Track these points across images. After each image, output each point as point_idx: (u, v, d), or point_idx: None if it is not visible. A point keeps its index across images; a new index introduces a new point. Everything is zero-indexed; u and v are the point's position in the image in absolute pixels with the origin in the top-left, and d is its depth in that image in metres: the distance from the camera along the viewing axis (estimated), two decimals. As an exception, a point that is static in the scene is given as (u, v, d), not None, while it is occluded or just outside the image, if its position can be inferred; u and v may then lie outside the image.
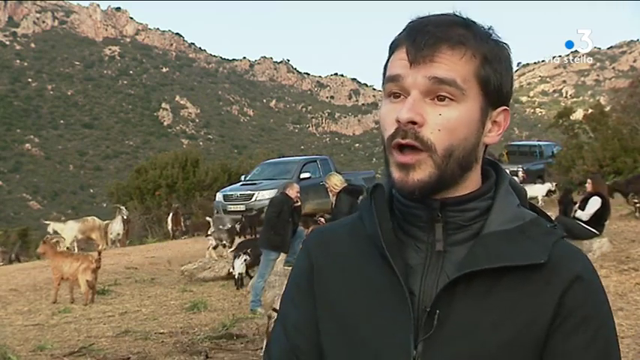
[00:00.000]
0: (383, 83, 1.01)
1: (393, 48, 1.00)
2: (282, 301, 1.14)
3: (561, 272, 0.96)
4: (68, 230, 15.67)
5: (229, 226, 13.58)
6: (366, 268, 1.03)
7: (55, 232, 15.44)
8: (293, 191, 8.69)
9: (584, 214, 9.03)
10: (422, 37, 0.95)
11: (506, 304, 0.95)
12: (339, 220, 1.18)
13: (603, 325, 0.96)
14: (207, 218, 15.02)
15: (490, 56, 0.98)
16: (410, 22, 0.99)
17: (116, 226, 17.05)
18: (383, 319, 0.99)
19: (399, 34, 1.00)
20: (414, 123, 0.95)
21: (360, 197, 8.69)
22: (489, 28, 1.00)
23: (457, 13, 0.99)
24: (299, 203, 9.20)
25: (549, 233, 0.99)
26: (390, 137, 0.97)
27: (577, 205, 9.28)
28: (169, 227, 18.46)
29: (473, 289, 0.96)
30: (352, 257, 1.05)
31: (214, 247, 12.26)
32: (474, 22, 0.99)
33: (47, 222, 16.74)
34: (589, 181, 9.76)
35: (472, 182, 1.01)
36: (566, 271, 0.96)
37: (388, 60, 1.01)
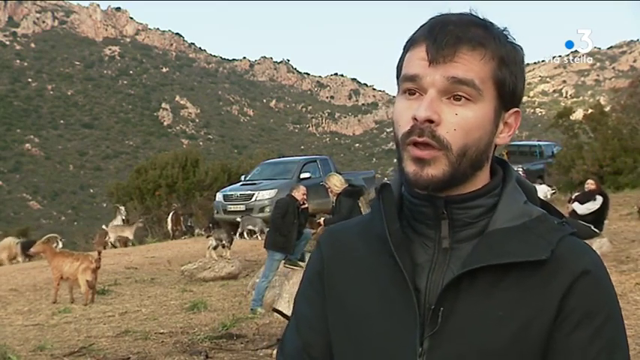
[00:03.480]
0: (398, 81, 1.01)
1: (410, 45, 1.00)
2: (296, 298, 1.16)
3: (566, 268, 0.95)
4: None
5: (259, 225, 13.82)
6: (375, 266, 1.04)
7: None
8: (299, 193, 8.72)
9: (583, 208, 9.03)
10: (442, 37, 0.95)
11: (511, 300, 0.95)
12: (353, 218, 1.20)
13: (608, 321, 0.95)
14: (238, 219, 15.16)
15: (507, 58, 0.98)
16: (430, 20, 0.99)
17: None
18: (390, 316, 1.00)
19: (418, 31, 1.00)
20: (430, 121, 0.95)
21: (361, 198, 8.72)
22: (504, 30, 1.00)
23: (475, 13, 0.99)
24: (306, 205, 9.24)
25: (556, 229, 0.99)
26: (406, 134, 0.97)
27: (573, 196, 9.29)
28: (169, 227, 18.46)
29: (477, 286, 0.96)
30: (362, 256, 1.07)
31: (214, 248, 12.26)
32: (492, 23, 1.00)
33: None
34: (590, 180, 9.73)
35: (480, 180, 1.01)
36: (572, 266, 0.95)
37: (404, 56, 1.01)
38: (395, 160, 1.06)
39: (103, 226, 17.33)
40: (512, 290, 0.95)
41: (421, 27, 1.00)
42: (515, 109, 1.02)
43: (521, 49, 1.02)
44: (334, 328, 1.06)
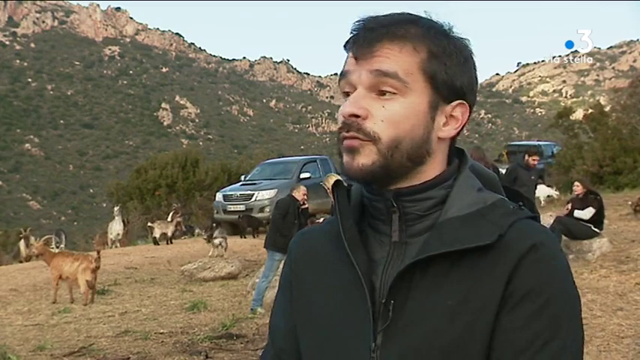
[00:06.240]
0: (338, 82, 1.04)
1: (347, 47, 1.02)
2: (272, 307, 1.17)
3: (514, 248, 0.93)
4: None
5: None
6: (336, 264, 1.04)
7: None
8: (299, 193, 8.74)
9: (585, 213, 9.01)
10: (364, 34, 0.98)
11: (461, 289, 0.93)
12: (327, 219, 1.21)
13: (552, 303, 0.91)
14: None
15: (436, 50, 0.97)
16: (355, 21, 1.01)
17: (116, 226, 17.04)
18: (347, 313, 1.00)
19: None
20: (357, 116, 0.97)
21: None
22: (445, 25, 1.00)
23: (409, 12, 1.00)
24: (306, 205, 9.25)
25: (510, 214, 0.97)
26: (338, 130, 1.01)
27: (569, 206, 9.25)
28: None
29: (429, 277, 0.95)
30: (325, 255, 1.07)
31: (217, 246, 12.28)
32: (426, 19, 1.00)
33: None
34: (577, 183, 9.72)
35: (430, 173, 1.01)
36: (519, 245, 0.93)
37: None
38: None
39: (149, 223, 17.30)
40: (463, 280, 0.94)
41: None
42: (460, 101, 1.00)
43: (466, 42, 1.01)
44: (301, 330, 1.07)
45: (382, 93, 0.97)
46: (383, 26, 0.97)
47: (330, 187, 8.14)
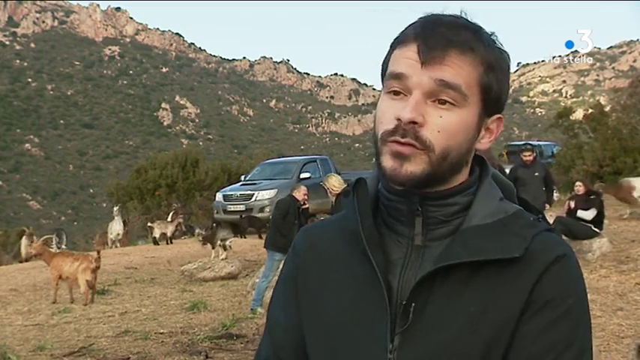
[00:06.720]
0: (383, 78, 1.00)
1: (398, 43, 0.99)
2: (270, 302, 1.15)
3: (536, 263, 0.95)
4: None
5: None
6: (349, 262, 1.03)
7: None
8: (300, 193, 8.74)
9: (589, 214, 9.01)
10: (434, 38, 0.95)
11: (483, 297, 0.94)
12: (329, 217, 1.20)
13: (569, 315, 0.94)
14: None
15: (495, 64, 0.98)
16: (421, 19, 0.98)
17: (116, 226, 17.04)
18: (362, 313, 1.00)
19: (407, 29, 0.99)
20: (414, 123, 0.94)
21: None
22: (493, 34, 1.00)
23: (465, 16, 0.99)
24: (306, 205, 9.26)
25: (531, 226, 0.98)
26: (389, 132, 0.96)
27: (572, 203, 9.23)
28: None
29: (450, 283, 0.96)
30: (336, 252, 1.06)
31: (228, 249, 12.30)
32: (481, 28, 0.99)
33: None
34: (579, 183, 9.72)
35: (457, 181, 1.01)
36: (541, 261, 0.95)
37: (390, 54, 1.00)
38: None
39: (149, 224, 17.30)
40: (485, 288, 0.95)
41: (411, 26, 0.99)
42: (498, 115, 1.02)
43: (508, 55, 1.01)
44: (309, 330, 1.06)
45: (441, 102, 0.95)
46: (452, 33, 0.95)
47: (331, 188, 8.15)
